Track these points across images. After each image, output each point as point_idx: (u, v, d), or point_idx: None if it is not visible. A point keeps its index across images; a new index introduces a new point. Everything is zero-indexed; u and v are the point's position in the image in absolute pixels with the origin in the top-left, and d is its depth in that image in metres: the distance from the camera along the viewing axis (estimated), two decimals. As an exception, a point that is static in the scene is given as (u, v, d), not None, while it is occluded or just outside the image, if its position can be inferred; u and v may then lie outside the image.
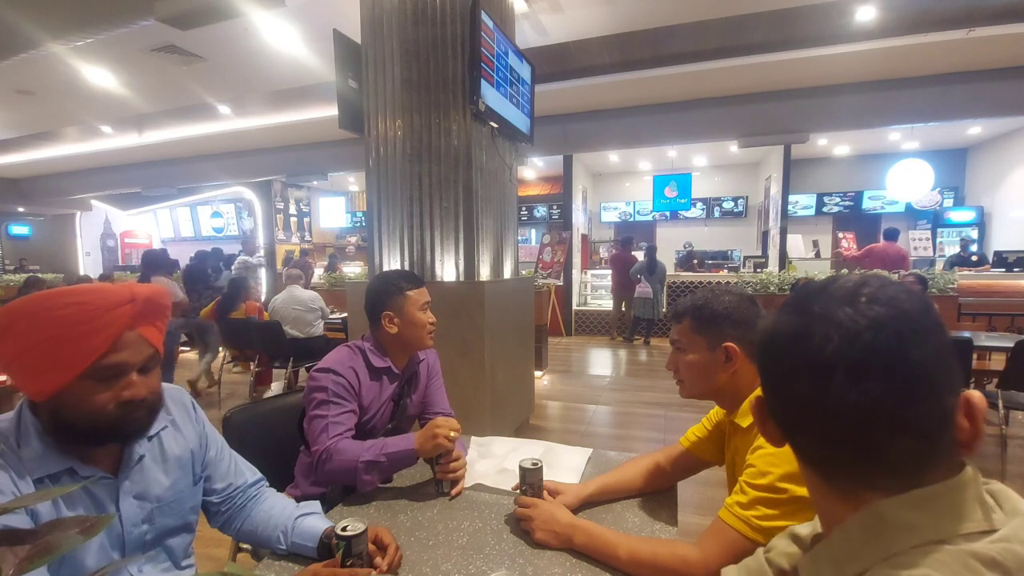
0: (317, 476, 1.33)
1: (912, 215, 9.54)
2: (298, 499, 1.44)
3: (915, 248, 8.52)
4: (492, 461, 1.43)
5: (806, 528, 0.64)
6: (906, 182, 7.07)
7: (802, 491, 0.84)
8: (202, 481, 1.02)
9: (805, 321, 0.46)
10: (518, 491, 1.17)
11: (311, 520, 1.03)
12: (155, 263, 4.93)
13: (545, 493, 1.16)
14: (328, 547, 0.97)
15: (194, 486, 1.00)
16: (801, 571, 0.51)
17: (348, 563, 0.90)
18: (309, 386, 1.39)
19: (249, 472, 1.11)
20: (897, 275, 5.47)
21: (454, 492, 1.25)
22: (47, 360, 0.75)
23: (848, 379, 0.43)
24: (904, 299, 0.44)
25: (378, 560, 0.94)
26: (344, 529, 0.91)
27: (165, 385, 0.93)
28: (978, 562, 0.40)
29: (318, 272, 8.81)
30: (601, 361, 6.66)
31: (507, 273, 3.69)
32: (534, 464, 1.15)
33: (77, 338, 0.75)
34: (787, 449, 0.87)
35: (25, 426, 0.79)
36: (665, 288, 8.01)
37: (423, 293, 1.51)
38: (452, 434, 1.23)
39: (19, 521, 0.72)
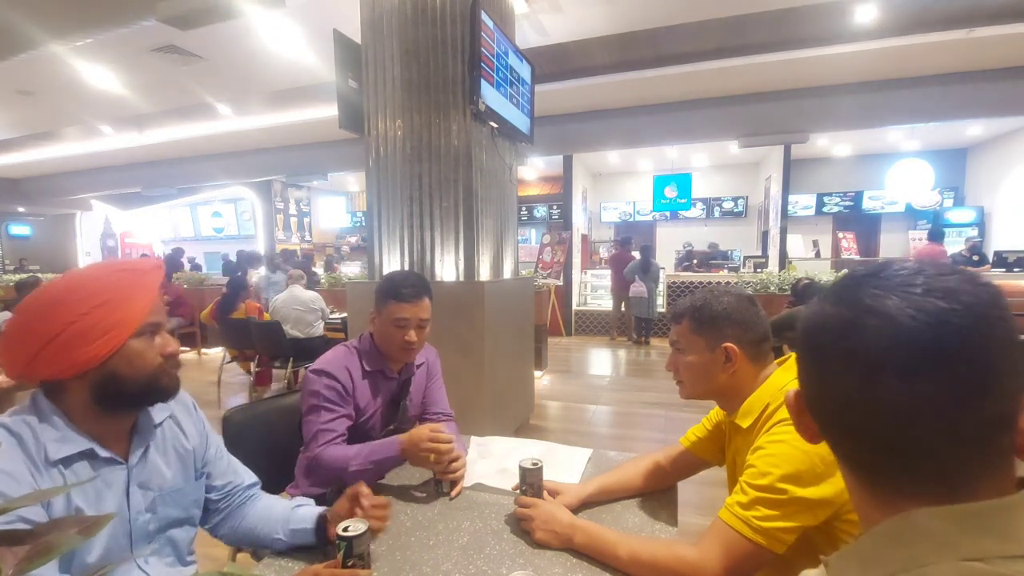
0: (310, 478, 1.34)
1: (912, 215, 9.54)
2: (298, 499, 1.44)
3: (915, 248, 8.53)
4: (492, 461, 1.43)
5: None
6: (906, 182, 7.08)
7: (803, 492, 0.84)
8: (203, 477, 1.04)
9: (855, 313, 0.42)
10: (518, 491, 1.17)
11: (307, 508, 1.07)
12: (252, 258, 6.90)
13: (545, 493, 1.16)
14: (324, 529, 1.01)
15: (196, 480, 1.02)
16: (829, 567, 0.48)
17: (349, 563, 0.90)
18: (304, 387, 1.41)
19: (246, 475, 1.13)
20: None
21: (454, 492, 1.25)
22: (106, 322, 0.81)
23: (900, 378, 0.39)
24: (967, 291, 0.40)
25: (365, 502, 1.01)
26: (346, 529, 0.90)
27: None
28: None
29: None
30: (601, 361, 6.66)
31: (507, 273, 3.69)
32: (534, 464, 1.15)
33: (129, 299, 0.84)
34: (788, 449, 0.88)
35: (42, 411, 0.82)
36: (665, 288, 8.02)
37: (401, 308, 1.41)
38: (443, 448, 1.23)
39: (33, 512, 0.74)
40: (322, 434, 1.33)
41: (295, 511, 1.06)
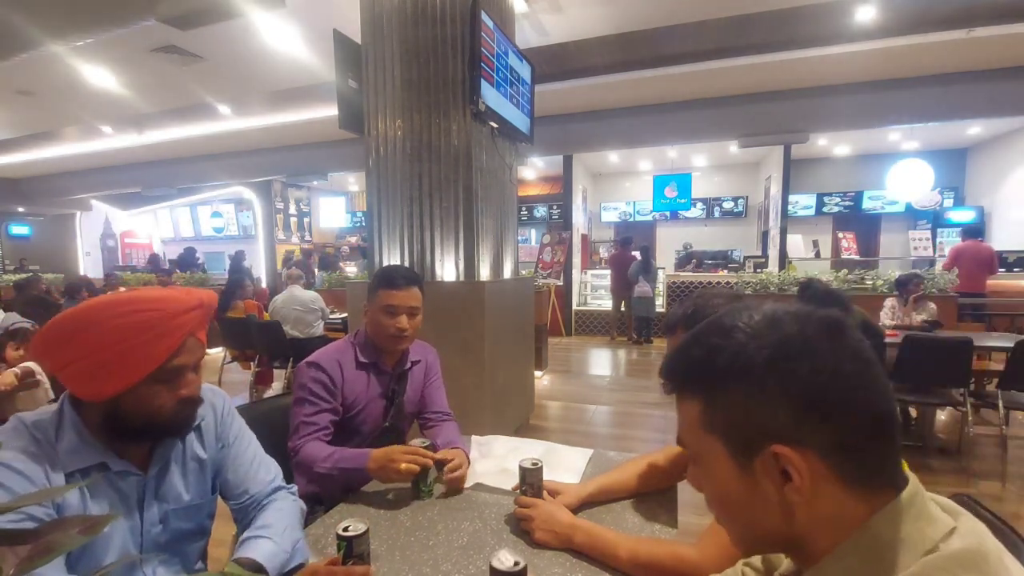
0: (306, 475, 1.35)
1: (912, 215, 9.53)
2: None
3: (915, 248, 8.53)
4: (492, 461, 1.43)
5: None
6: (906, 182, 7.06)
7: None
8: (217, 490, 1.01)
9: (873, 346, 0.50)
10: (518, 491, 1.17)
11: (248, 544, 0.91)
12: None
13: (545, 493, 1.16)
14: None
15: (212, 494, 1.00)
16: None
17: (349, 563, 0.89)
18: (294, 378, 1.44)
19: (266, 482, 1.05)
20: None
21: (463, 486, 1.26)
22: (115, 364, 0.77)
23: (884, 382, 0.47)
24: None
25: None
26: (346, 529, 0.90)
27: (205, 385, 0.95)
28: (972, 566, 0.40)
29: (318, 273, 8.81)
30: (601, 361, 6.66)
31: (507, 273, 3.69)
32: (534, 464, 1.15)
33: (147, 343, 0.78)
34: None
35: (65, 420, 0.82)
36: (665, 287, 8.03)
37: (392, 296, 1.44)
38: (403, 467, 1.18)
39: (44, 513, 0.74)
40: (303, 426, 1.35)
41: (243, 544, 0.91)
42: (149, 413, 0.82)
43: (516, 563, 0.76)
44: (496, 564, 0.79)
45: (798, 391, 0.45)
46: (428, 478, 1.23)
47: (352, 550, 0.89)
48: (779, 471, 0.46)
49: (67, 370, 0.78)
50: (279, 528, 0.95)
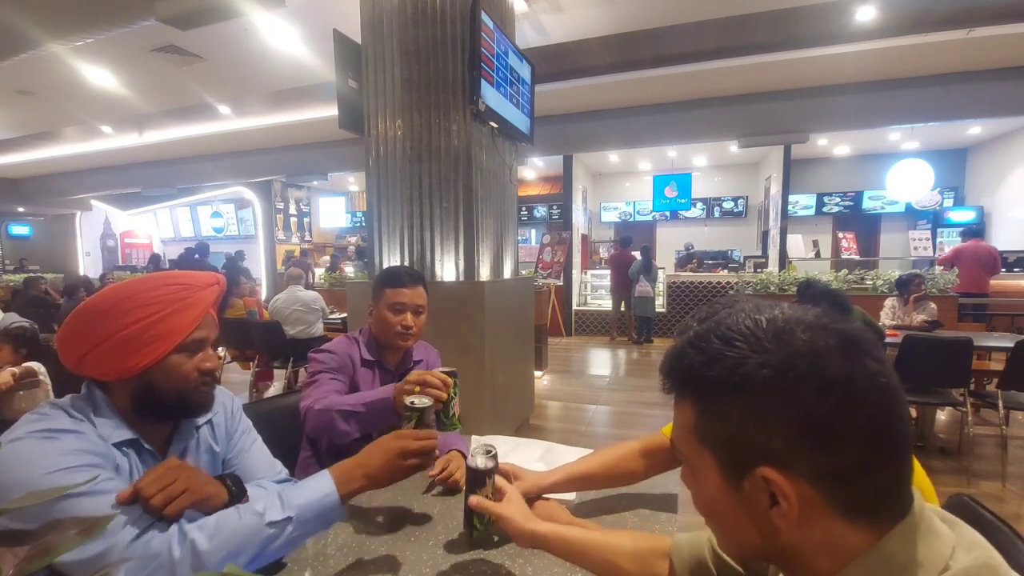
0: (306, 430, 1.32)
1: (912, 215, 9.54)
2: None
3: (915, 248, 8.53)
4: (492, 461, 1.43)
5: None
6: (906, 182, 7.07)
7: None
8: None
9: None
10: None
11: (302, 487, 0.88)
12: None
13: (502, 477, 1.01)
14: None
15: None
16: None
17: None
18: (309, 363, 1.45)
19: (276, 470, 1.10)
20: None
21: (461, 488, 1.18)
22: (148, 334, 0.83)
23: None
24: None
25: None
26: (412, 403, 0.97)
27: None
28: None
29: (318, 272, 8.81)
30: (601, 361, 6.66)
31: (507, 273, 3.69)
32: (488, 451, 0.99)
33: (176, 312, 0.86)
34: None
35: (96, 401, 0.86)
36: (665, 287, 8.04)
37: (399, 293, 1.46)
38: (431, 378, 1.05)
39: (113, 484, 0.77)
40: (323, 383, 1.36)
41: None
42: (177, 384, 0.87)
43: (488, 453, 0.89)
44: (471, 463, 0.90)
45: (798, 415, 0.41)
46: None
47: (423, 419, 0.97)
48: (767, 493, 0.43)
49: (100, 348, 0.82)
50: (275, 489, 0.95)
